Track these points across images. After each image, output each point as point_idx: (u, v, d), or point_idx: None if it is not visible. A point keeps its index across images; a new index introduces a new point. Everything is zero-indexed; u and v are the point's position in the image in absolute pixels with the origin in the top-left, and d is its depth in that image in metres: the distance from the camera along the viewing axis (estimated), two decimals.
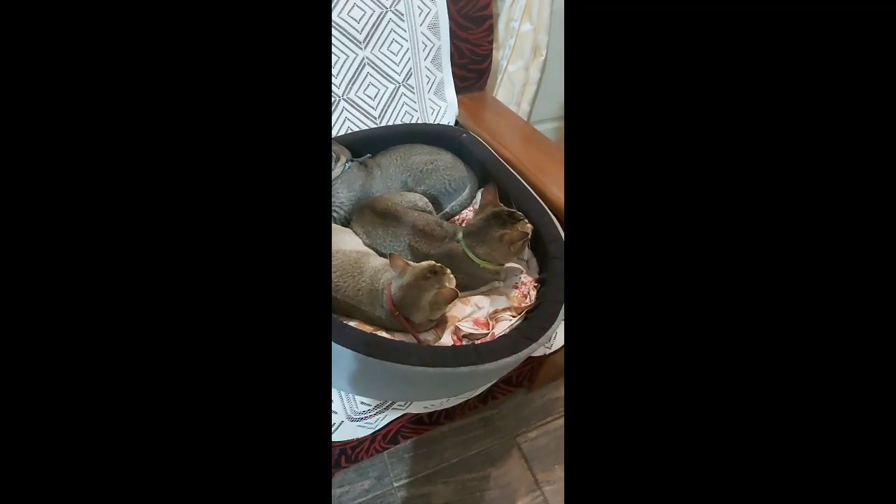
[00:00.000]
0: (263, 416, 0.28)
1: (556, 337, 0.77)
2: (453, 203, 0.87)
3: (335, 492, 0.91)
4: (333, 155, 0.81)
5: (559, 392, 1.07)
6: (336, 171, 0.81)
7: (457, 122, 1.03)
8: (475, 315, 0.66)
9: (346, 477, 0.93)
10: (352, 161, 0.84)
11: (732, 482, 0.29)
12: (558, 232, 0.73)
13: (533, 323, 0.61)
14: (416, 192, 0.84)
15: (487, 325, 0.64)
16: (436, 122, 1.01)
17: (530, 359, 0.83)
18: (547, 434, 1.01)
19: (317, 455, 0.29)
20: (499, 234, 0.66)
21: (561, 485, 0.93)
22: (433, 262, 0.63)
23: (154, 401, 0.27)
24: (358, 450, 0.80)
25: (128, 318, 0.27)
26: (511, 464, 0.96)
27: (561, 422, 1.03)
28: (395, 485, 0.92)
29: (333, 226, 0.79)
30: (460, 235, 0.70)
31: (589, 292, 0.31)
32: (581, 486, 0.31)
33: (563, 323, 0.70)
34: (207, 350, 0.28)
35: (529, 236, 0.69)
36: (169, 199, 0.28)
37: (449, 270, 0.63)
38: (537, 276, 0.73)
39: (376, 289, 0.64)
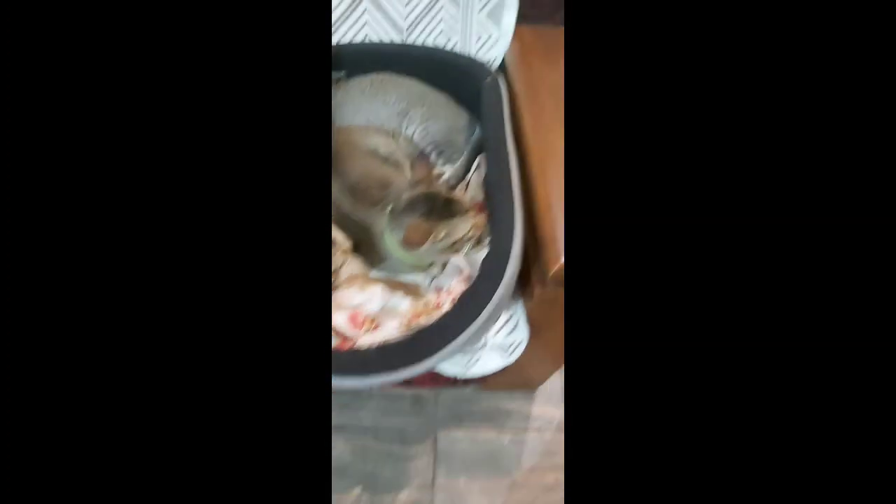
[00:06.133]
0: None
1: (481, 360, 0.63)
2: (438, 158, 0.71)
3: None
4: None
5: (511, 404, 0.94)
6: None
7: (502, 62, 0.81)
8: (363, 307, 0.55)
9: None
10: None
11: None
12: (512, 243, 0.55)
13: (402, 346, 0.49)
14: (400, 135, 0.70)
15: (361, 326, 0.53)
16: (470, 55, 0.80)
17: None
18: (473, 443, 0.90)
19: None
20: (414, 224, 0.52)
21: (453, 497, 0.85)
22: None
23: (149, 369, 0.27)
24: None
25: (123, 290, 0.27)
26: (419, 452, 0.89)
27: (492, 435, 0.91)
28: None
29: None
30: (389, 209, 0.57)
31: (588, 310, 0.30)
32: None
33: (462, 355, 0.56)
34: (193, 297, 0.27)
35: (470, 236, 0.54)
36: (161, 144, 0.27)
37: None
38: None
39: None
